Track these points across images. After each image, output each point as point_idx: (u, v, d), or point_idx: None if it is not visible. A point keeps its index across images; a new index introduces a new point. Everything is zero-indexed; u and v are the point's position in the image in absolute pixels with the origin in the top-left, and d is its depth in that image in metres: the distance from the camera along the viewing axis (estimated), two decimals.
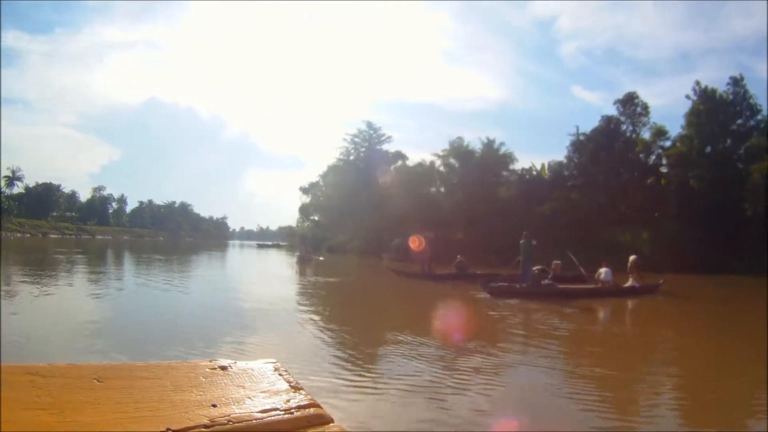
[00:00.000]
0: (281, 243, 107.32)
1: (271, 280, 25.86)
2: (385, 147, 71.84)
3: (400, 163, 70.49)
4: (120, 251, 53.03)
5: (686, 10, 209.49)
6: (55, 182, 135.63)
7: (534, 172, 46.73)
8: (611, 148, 44.19)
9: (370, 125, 72.78)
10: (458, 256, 26.30)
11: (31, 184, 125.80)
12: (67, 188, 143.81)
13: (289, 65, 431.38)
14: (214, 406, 0.99)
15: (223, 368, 1.16)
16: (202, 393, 1.04)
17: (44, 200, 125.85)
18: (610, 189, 41.91)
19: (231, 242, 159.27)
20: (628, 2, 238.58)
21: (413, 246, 43.14)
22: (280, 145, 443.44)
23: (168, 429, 0.88)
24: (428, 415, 5.96)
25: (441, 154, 51.76)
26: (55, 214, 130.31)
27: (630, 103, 46.01)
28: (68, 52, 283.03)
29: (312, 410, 1.06)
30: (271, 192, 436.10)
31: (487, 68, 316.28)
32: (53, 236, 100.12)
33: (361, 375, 7.49)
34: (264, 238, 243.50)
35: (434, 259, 26.96)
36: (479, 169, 47.72)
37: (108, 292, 17.03)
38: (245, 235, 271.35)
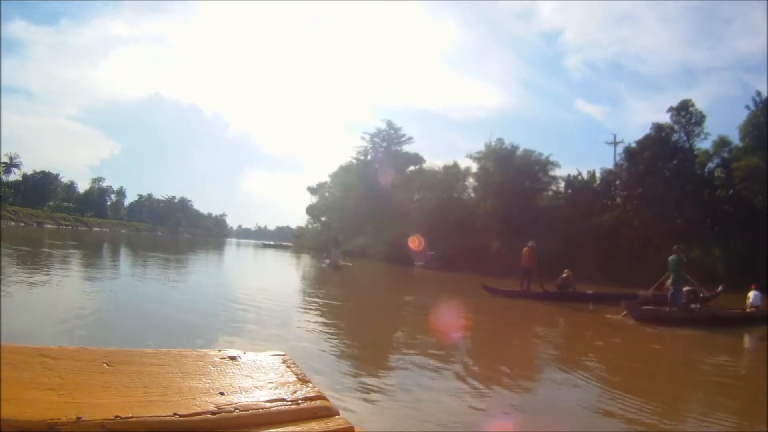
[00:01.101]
0: (283, 243, 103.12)
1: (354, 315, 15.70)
2: (405, 148, 67.65)
3: (415, 167, 66.48)
4: (117, 246, 48.51)
5: (691, 28, 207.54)
6: (54, 172, 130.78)
7: (580, 179, 42.10)
8: (667, 157, 39.64)
9: (390, 124, 68.48)
10: (565, 271, 21.67)
11: (29, 172, 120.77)
12: (65, 178, 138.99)
13: (293, 67, 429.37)
14: (221, 394, 1.00)
15: (232, 358, 1.17)
16: (210, 381, 1.04)
17: (41, 189, 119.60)
18: (669, 201, 37.40)
19: (230, 240, 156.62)
20: (634, 18, 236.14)
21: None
22: (281, 146, 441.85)
23: (175, 414, 0.90)
24: None
25: (475, 155, 46.95)
26: (51, 203, 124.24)
27: (684, 110, 41.11)
28: (74, 44, 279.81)
29: (318, 402, 1.07)
30: (270, 192, 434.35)
31: (490, 78, 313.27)
32: (49, 226, 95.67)
33: None
34: (262, 237, 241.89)
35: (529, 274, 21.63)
36: (520, 173, 43.04)
37: (128, 298, 14.50)
38: (243, 233, 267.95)
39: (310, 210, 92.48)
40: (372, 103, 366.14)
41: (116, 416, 0.85)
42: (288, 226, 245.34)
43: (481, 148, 46.16)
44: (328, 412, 1.05)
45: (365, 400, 6.32)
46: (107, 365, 1.00)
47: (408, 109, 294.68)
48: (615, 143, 48.41)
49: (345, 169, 76.75)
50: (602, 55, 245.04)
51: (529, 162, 43.59)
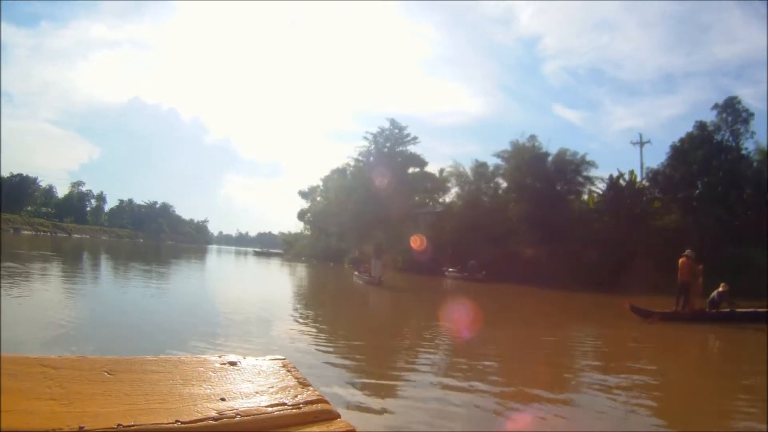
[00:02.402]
0: (271, 250, 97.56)
1: None
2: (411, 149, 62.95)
3: (419, 169, 62.30)
4: (97, 255, 42.81)
5: (670, 34, 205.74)
6: (32, 176, 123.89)
7: (622, 182, 37.14)
8: (714, 156, 35.28)
9: (394, 123, 63.29)
10: (722, 285, 17.00)
11: (6, 175, 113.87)
12: (44, 182, 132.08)
13: (272, 72, 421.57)
14: (222, 399, 0.99)
15: (233, 364, 1.16)
16: (211, 387, 1.03)
17: (18, 193, 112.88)
18: (730, 203, 33.24)
19: (211, 247, 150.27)
20: (613, 24, 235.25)
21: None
22: (259, 151, 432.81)
23: (177, 421, 0.89)
24: None
25: (503, 154, 42.13)
26: (29, 208, 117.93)
27: (731, 108, 36.95)
28: (53, 47, 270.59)
29: (319, 406, 1.05)
30: (250, 198, 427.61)
31: (469, 83, 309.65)
32: (26, 232, 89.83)
33: None
34: (243, 244, 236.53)
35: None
36: (554, 173, 38.54)
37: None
38: (224, 239, 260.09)
39: (302, 215, 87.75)
40: (352, 109, 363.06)
41: (118, 425, 0.84)
42: (270, 232, 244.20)
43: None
44: (330, 416, 1.03)
45: None
46: (108, 374, 0.99)
47: (387, 115, 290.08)
48: (642, 143, 44.48)
49: (340, 172, 72.48)
50: (581, 60, 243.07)
51: (562, 161, 38.96)
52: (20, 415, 0.79)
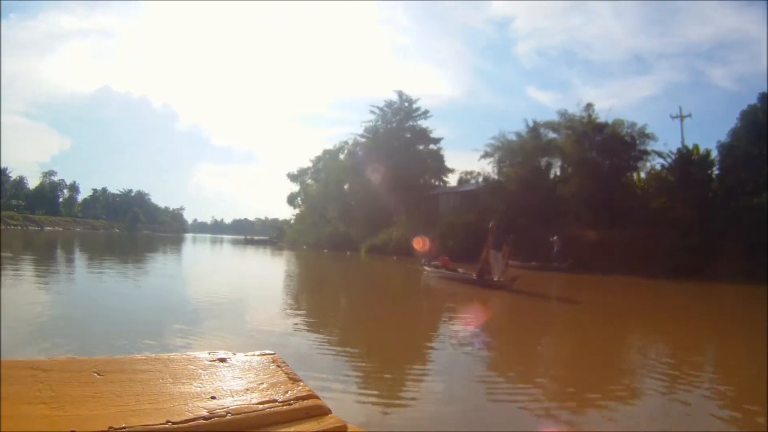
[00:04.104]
0: (255, 237, 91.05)
1: None
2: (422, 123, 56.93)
3: (434, 146, 56.78)
4: (71, 250, 35.68)
5: (642, 15, 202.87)
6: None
7: (685, 153, 31.81)
8: None
9: (402, 95, 56.71)
10: None
11: None
12: (13, 174, 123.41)
13: (244, 58, 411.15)
14: (213, 398, 0.98)
15: (222, 360, 1.15)
16: (201, 385, 1.02)
17: None
18: None
19: (188, 235, 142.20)
20: (585, 5, 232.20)
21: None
22: (232, 138, 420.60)
23: (168, 421, 0.88)
24: None
25: (555, 124, 36.87)
26: None
27: None
28: (21, 38, 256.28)
29: (310, 401, 1.04)
30: (224, 185, 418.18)
31: (441, 66, 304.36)
32: None
33: None
34: (218, 231, 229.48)
35: None
36: (617, 146, 33.18)
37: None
38: (199, 227, 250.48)
39: (292, 199, 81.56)
40: (325, 95, 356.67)
41: (110, 427, 0.83)
42: (246, 219, 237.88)
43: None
44: (321, 411, 1.03)
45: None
46: (98, 374, 0.97)
47: (363, 99, 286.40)
48: (681, 117, 39.77)
49: (335, 152, 66.96)
50: (553, 42, 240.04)
51: (621, 134, 33.80)
52: (12, 420, 0.78)
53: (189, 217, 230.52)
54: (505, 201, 34.20)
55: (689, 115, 40.09)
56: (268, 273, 26.40)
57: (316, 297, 16.33)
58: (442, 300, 16.18)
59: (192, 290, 15.72)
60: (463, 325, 11.00)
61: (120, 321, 9.17)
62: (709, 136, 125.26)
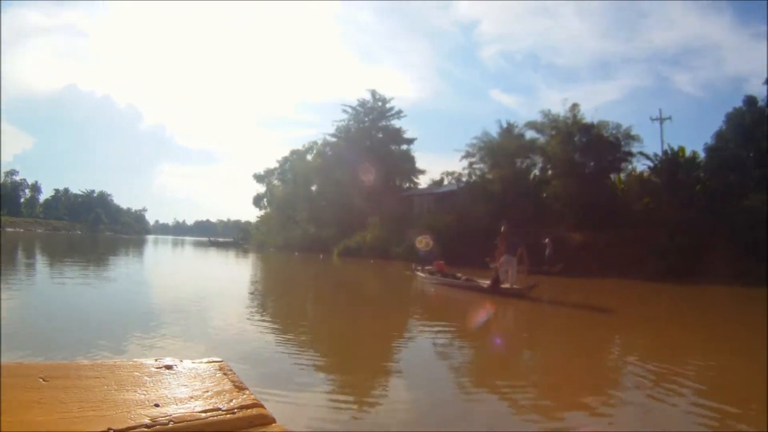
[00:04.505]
0: (221, 239, 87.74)
1: None
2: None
3: (406, 146, 55.29)
4: (31, 254, 33.06)
5: (608, 20, 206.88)
6: None
7: (672, 155, 31.03)
8: None
9: (375, 94, 55.10)
10: None
11: None
12: None
13: (207, 58, 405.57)
14: (156, 405, 0.96)
15: (168, 367, 1.13)
16: (145, 392, 1.00)
17: None
18: None
19: (150, 237, 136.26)
20: (552, 10, 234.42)
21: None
22: (195, 139, 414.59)
23: (110, 429, 0.86)
24: None
25: (538, 124, 35.39)
26: None
27: None
28: None
29: (254, 410, 1.01)
30: (187, 186, 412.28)
31: (408, 68, 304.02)
32: None
33: None
34: (180, 233, 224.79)
35: None
36: (601, 148, 31.95)
37: None
38: (161, 228, 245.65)
39: (258, 200, 79.20)
40: (293, 98, 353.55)
41: None
42: (208, 220, 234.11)
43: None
44: (264, 420, 0.99)
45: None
46: (43, 380, 0.96)
47: (329, 102, 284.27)
48: (661, 119, 39.00)
49: (303, 153, 65.73)
50: (519, 46, 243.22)
51: (605, 135, 32.58)
52: None
53: (151, 218, 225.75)
54: (487, 202, 32.67)
55: (669, 118, 39.38)
56: (234, 277, 24.43)
57: (285, 303, 14.72)
58: (442, 308, 14.64)
59: (152, 295, 14.83)
60: (452, 336, 10.07)
61: (75, 326, 8.78)
62: (676, 139, 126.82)
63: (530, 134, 36.78)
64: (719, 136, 32.56)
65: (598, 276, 23.72)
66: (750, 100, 32.76)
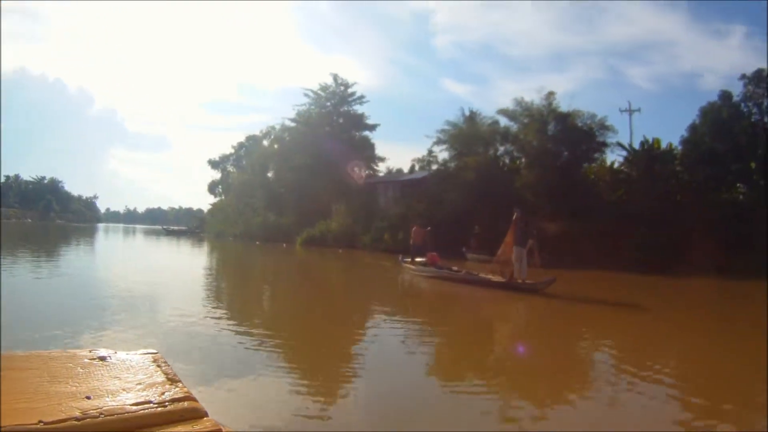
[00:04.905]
0: (176, 228, 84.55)
1: None
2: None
3: (369, 132, 53.55)
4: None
5: (565, 13, 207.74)
6: None
7: (648, 147, 29.80)
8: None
9: (337, 78, 53.04)
10: None
11: None
12: None
13: (160, 43, 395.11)
14: (88, 398, 0.93)
15: (102, 359, 1.10)
16: (77, 384, 0.97)
17: None
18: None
19: (101, 225, 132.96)
20: (508, 2, 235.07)
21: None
22: (146, 124, 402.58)
23: (40, 421, 0.83)
24: None
25: (512, 112, 33.86)
26: None
27: (761, 80, 31.83)
28: None
29: (186, 404, 0.98)
30: (137, 172, 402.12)
31: (360, 56, 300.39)
32: None
33: None
34: (131, 221, 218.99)
35: None
36: (575, 138, 30.77)
37: None
38: (111, 216, 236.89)
39: (213, 187, 76.77)
40: (247, 83, 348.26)
41: None
42: (159, 208, 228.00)
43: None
44: (196, 414, 0.96)
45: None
46: None
47: (285, 89, 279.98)
48: (630, 111, 38.49)
49: (259, 138, 64.25)
50: (473, 36, 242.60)
51: (579, 125, 31.44)
52: None
53: (102, 205, 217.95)
54: (460, 190, 31.32)
55: (639, 110, 39.45)
56: (190, 267, 22.87)
57: (245, 294, 14.15)
58: (442, 304, 13.53)
59: (101, 287, 13.88)
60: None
61: (17, 316, 8.31)
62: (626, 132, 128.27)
63: (503, 122, 35.68)
64: (693, 129, 31.97)
65: (576, 267, 22.65)
66: (725, 95, 32.30)
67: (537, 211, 28.73)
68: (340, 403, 5.35)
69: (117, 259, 25.62)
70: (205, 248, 37.68)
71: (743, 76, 32.45)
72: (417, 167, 45.25)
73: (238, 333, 8.36)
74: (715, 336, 10.02)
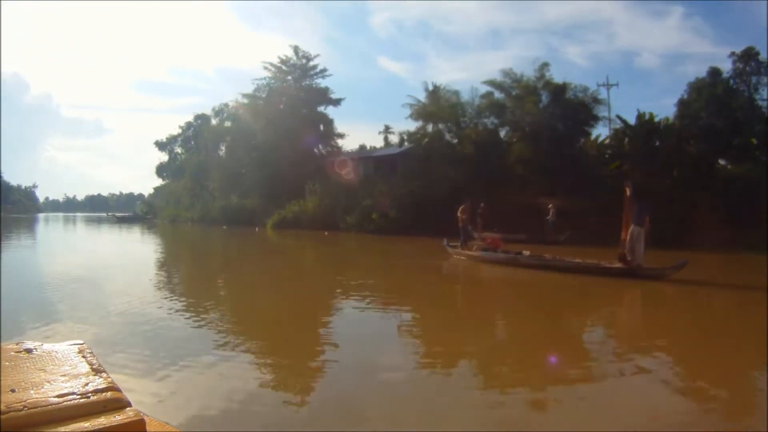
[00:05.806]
0: (124, 214, 79.05)
1: None
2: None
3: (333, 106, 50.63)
4: None
5: None
6: None
7: (646, 120, 28.25)
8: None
9: (298, 51, 49.56)
10: None
11: None
12: None
13: (92, 26, 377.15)
14: (12, 391, 0.92)
15: (28, 351, 1.09)
16: (3, 377, 0.96)
17: None
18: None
19: (41, 215, 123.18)
20: None
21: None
22: (82, 109, 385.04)
23: None
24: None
25: (499, 83, 32.13)
26: None
27: (750, 58, 31.80)
28: None
29: (109, 394, 0.97)
30: (75, 159, 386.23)
31: (294, 35, 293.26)
32: None
33: None
34: (72, 209, 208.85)
35: None
36: (567, 110, 29.27)
37: None
38: (51, 205, 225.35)
39: (161, 170, 72.29)
40: (176, 64, 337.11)
41: None
42: (99, 195, 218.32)
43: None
44: (119, 404, 0.94)
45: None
46: None
47: (219, 69, 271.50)
48: (608, 85, 37.41)
49: (213, 115, 60.67)
50: (410, 14, 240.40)
51: (573, 98, 30.02)
52: None
53: (40, 195, 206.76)
54: (453, 166, 29.36)
55: (616, 84, 39.49)
56: (156, 260, 19.95)
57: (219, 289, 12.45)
58: None
59: (46, 278, 13.03)
60: None
61: None
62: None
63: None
64: (682, 104, 31.83)
65: (586, 244, 20.78)
66: (714, 72, 31.87)
67: (530, 186, 27.26)
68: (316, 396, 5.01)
69: (64, 249, 24.43)
70: (162, 236, 34.33)
71: (732, 54, 32.35)
72: (406, 142, 41.95)
73: (192, 325, 7.88)
74: None
